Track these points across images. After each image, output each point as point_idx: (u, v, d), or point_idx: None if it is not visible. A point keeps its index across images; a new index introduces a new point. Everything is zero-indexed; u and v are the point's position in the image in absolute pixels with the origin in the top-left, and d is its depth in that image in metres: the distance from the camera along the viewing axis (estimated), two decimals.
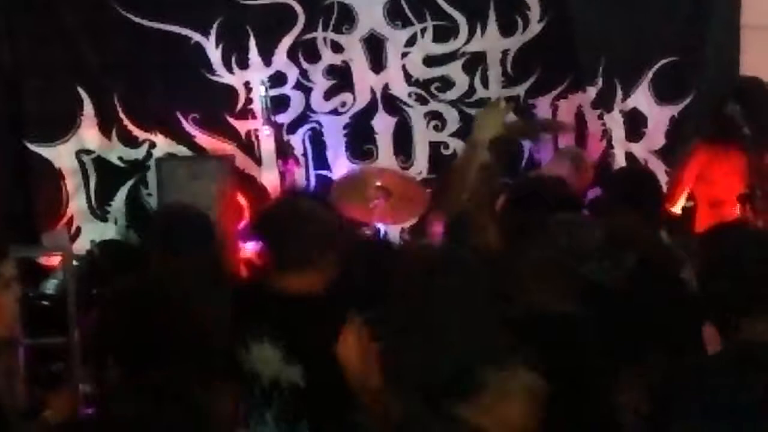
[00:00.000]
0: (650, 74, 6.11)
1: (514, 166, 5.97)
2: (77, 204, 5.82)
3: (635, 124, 6.15)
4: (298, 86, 5.97)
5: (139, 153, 5.85)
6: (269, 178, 5.89)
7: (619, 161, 6.07)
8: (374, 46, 5.99)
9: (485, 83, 6.04)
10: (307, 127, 6.02)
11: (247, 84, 5.90)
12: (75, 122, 5.76)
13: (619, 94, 6.09)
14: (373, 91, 6.01)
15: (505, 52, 6.03)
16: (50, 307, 4.86)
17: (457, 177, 3.71)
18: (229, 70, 5.88)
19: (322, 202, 3.51)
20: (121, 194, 5.85)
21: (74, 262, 5.14)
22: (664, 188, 5.46)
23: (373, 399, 2.85)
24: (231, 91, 5.91)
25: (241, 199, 5.84)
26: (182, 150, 5.87)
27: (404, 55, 6.00)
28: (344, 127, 6.04)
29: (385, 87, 6.02)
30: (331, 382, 2.91)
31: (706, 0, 6.11)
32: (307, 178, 6.02)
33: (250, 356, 3.10)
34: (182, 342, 2.62)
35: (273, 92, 5.82)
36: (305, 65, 5.95)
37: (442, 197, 3.97)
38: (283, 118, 5.93)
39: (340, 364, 2.89)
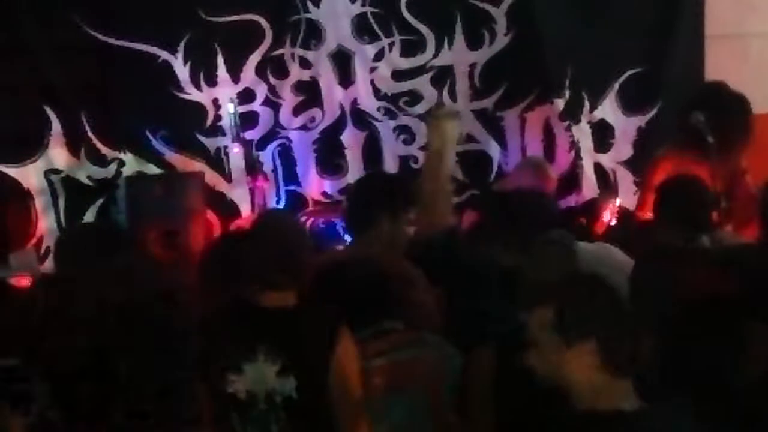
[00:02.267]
0: (617, 85, 6.16)
1: (482, 178, 6.01)
2: (46, 224, 5.77)
3: (603, 135, 6.19)
4: (267, 102, 5.97)
5: (108, 172, 5.81)
6: (239, 194, 5.89)
7: (588, 172, 6.09)
8: (342, 62, 6.00)
9: (453, 96, 6.06)
10: (276, 143, 6.02)
11: (215, 101, 5.89)
12: (43, 142, 5.72)
13: (587, 105, 6.13)
14: (341, 106, 6.03)
15: (472, 66, 6.06)
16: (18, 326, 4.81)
17: (430, 192, 3.84)
18: (198, 87, 5.87)
19: (292, 219, 3.63)
20: (91, 213, 5.81)
21: None
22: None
23: (355, 414, 3.14)
24: (199, 108, 5.89)
25: (211, 217, 5.84)
26: (151, 168, 5.85)
27: (372, 69, 6.02)
28: (313, 143, 6.05)
29: (354, 102, 6.03)
30: (322, 393, 3.18)
31: (670, 11, 6.17)
32: (277, 194, 6.02)
33: (246, 378, 3.20)
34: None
35: (242, 109, 5.84)
36: (273, 81, 5.96)
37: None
38: (253, 135, 5.94)
39: (334, 374, 3.17)
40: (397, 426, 3.33)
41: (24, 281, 5.26)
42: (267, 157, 5.98)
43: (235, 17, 5.84)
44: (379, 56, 6.01)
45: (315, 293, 3.41)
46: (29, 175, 5.74)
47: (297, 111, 6.01)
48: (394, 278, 3.57)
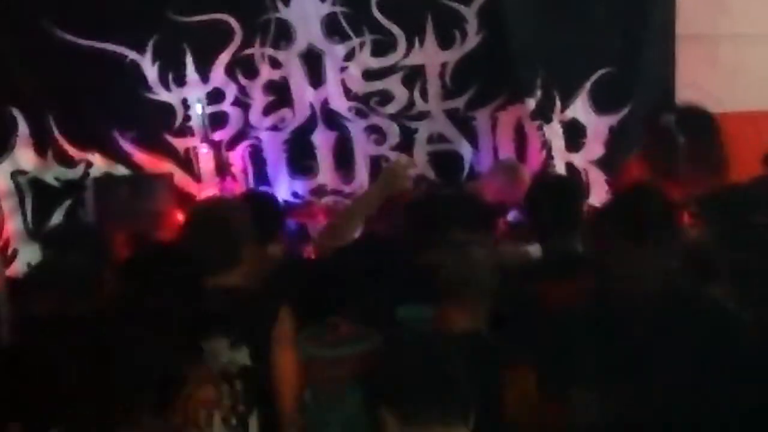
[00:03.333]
0: (588, 85, 6.13)
1: (453, 178, 5.99)
2: (13, 226, 5.71)
3: (574, 135, 6.17)
4: (237, 103, 5.94)
5: (76, 173, 5.77)
6: (208, 195, 5.84)
7: (559, 171, 6.08)
8: (312, 61, 5.95)
9: (425, 96, 6.03)
10: (246, 143, 5.99)
11: (184, 101, 5.85)
12: (9, 143, 5.66)
13: (558, 105, 6.10)
14: (312, 107, 5.99)
15: (443, 65, 6.02)
16: None
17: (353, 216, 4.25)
18: (166, 87, 5.83)
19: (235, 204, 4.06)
20: (58, 215, 5.76)
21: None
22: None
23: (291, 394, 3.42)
24: (168, 109, 5.85)
25: (180, 217, 5.79)
26: (120, 169, 5.81)
27: (343, 69, 5.97)
28: (284, 143, 6.01)
29: (324, 102, 5.99)
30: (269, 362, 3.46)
31: (641, 11, 6.15)
32: None
33: (204, 356, 3.43)
34: None
35: (211, 109, 5.81)
36: (243, 81, 5.92)
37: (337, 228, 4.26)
38: (222, 135, 5.91)
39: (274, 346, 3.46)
40: (350, 416, 3.39)
41: None
42: (237, 157, 5.95)
43: (204, 17, 5.79)
44: (349, 56, 5.97)
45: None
46: None
47: (267, 111, 5.97)
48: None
